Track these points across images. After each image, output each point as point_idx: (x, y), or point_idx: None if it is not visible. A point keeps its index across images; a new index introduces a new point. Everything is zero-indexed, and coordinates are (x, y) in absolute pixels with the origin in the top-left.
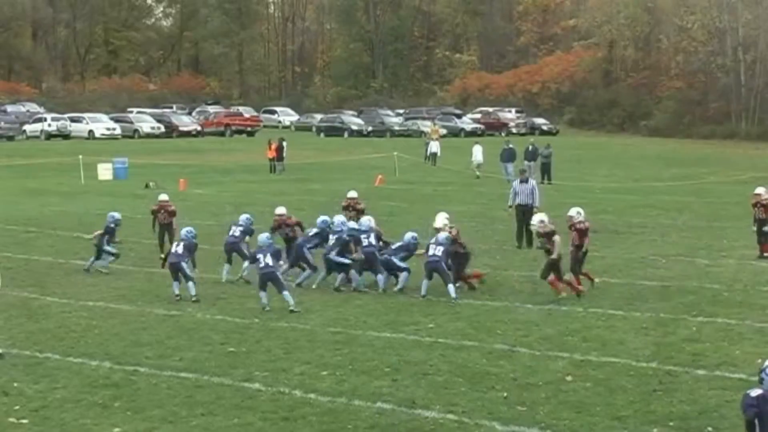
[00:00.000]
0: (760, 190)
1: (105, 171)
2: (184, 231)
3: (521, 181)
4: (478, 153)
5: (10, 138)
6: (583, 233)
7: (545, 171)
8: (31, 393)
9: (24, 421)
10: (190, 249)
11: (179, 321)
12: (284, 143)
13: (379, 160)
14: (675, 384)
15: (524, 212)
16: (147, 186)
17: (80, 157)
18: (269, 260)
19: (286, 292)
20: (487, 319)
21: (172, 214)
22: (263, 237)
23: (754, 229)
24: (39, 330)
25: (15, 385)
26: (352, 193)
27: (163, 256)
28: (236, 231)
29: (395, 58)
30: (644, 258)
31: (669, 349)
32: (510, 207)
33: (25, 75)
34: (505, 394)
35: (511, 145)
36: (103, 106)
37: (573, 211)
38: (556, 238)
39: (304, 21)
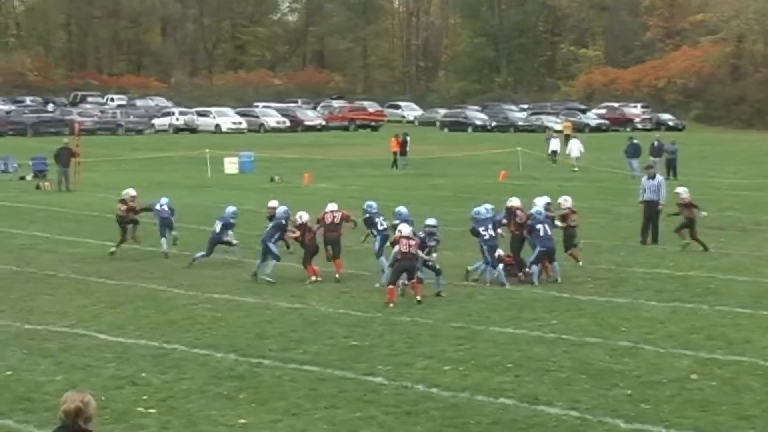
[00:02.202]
0: (679, 189)
1: (231, 165)
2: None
3: (648, 177)
4: (575, 147)
5: (139, 132)
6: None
7: (671, 167)
8: (159, 383)
9: (152, 410)
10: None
11: (303, 314)
12: (408, 138)
13: (503, 155)
14: None
15: (651, 208)
16: (272, 180)
17: (207, 150)
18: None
19: None
20: (610, 316)
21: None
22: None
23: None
24: (166, 321)
25: (143, 375)
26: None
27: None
28: (217, 226)
29: (519, 52)
30: None
31: None
32: (640, 202)
33: (154, 70)
34: (629, 392)
35: (635, 141)
36: (230, 101)
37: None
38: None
39: (428, 16)
